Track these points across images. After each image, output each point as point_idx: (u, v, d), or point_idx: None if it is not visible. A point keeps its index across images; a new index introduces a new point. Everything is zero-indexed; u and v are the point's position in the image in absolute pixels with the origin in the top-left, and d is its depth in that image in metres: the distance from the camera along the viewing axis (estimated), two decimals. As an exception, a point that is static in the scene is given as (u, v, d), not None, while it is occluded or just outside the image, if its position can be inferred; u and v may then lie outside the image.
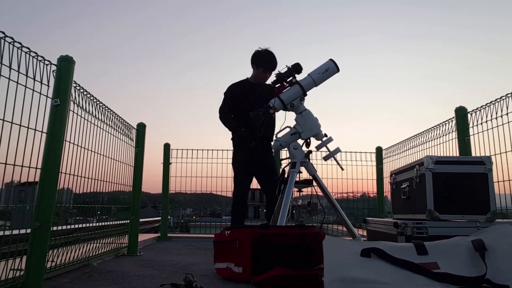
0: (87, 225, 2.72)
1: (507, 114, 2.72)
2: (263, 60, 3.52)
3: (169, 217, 5.38)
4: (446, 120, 3.54)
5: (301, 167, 2.85)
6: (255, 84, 3.58)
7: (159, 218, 5.82)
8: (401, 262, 1.53)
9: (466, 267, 1.52)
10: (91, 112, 2.53)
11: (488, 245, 1.57)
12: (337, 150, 2.82)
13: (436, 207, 2.46)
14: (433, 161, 2.52)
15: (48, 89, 1.98)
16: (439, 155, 3.47)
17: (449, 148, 3.51)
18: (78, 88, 2.30)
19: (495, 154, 2.78)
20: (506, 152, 2.73)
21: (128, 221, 3.38)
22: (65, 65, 2.08)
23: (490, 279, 1.42)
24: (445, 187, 2.49)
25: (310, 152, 2.91)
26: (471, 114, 3.22)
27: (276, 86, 2.91)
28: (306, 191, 2.98)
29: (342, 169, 3.02)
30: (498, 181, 2.68)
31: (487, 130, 2.95)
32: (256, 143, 3.46)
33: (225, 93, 3.64)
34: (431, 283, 1.45)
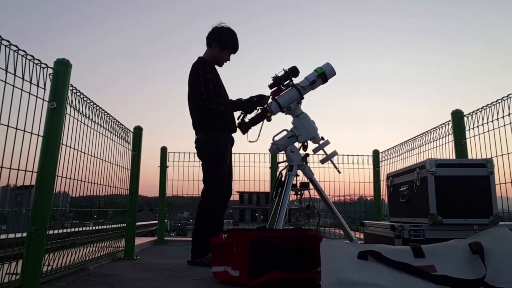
0: (84, 228, 2.71)
1: (503, 117, 2.73)
2: (232, 39, 3.18)
3: (166, 220, 5.36)
4: (443, 123, 3.56)
5: (298, 170, 2.86)
6: None
7: (156, 221, 5.81)
8: (398, 264, 1.53)
9: (464, 270, 1.52)
10: (87, 115, 2.52)
11: (485, 247, 1.57)
12: (334, 153, 2.82)
13: (439, 210, 2.45)
14: (435, 164, 2.52)
15: (44, 92, 1.97)
16: (436, 157, 3.48)
17: (446, 151, 3.52)
18: (74, 91, 2.29)
19: (491, 157, 2.79)
20: (502, 155, 2.74)
21: (125, 224, 3.37)
22: (62, 68, 2.08)
23: (487, 282, 1.42)
24: (447, 191, 2.48)
25: (307, 155, 2.91)
26: (467, 117, 3.23)
27: (273, 89, 2.91)
28: (306, 194, 2.99)
29: (339, 172, 3.03)
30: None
31: (483, 133, 2.97)
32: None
33: (203, 68, 3.03)
34: (429, 285, 1.45)
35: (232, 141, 3.24)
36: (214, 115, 3.02)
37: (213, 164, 3.07)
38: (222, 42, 3.15)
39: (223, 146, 3.10)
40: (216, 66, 3.20)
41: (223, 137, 3.12)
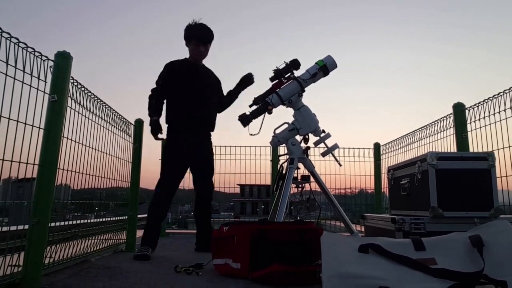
0: (85, 221, 2.72)
1: (504, 110, 2.72)
2: (192, 30, 3.21)
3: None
4: (444, 116, 3.55)
5: (299, 163, 2.86)
6: (199, 66, 3.30)
7: (157, 214, 5.81)
8: (398, 257, 1.53)
9: (464, 263, 1.52)
10: (88, 108, 2.52)
11: (486, 240, 1.57)
12: (335, 146, 2.82)
13: (439, 204, 2.45)
14: (436, 157, 2.51)
15: (45, 84, 1.97)
16: (437, 151, 3.48)
17: (447, 144, 3.51)
18: (75, 84, 2.29)
19: (492, 150, 2.78)
20: (503, 148, 2.73)
21: (126, 217, 3.38)
22: (63, 61, 2.07)
23: (487, 275, 1.43)
24: (448, 184, 2.48)
25: (308, 148, 2.91)
26: (469, 110, 3.22)
27: (274, 82, 2.91)
28: (307, 187, 2.99)
29: (340, 165, 3.03)
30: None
31: (485, 126, 2.96)
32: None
33: (163, 71, 3.23)
34: (429, 278, 1.46)
35: (190, 139, 3.21)
36: (167, 118, 3.25)
37: (162, 162, 3.32)
38: (185, 36, 3.24)
39: (171, 145, 3.23)
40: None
41: (173, 137, 3.24)
